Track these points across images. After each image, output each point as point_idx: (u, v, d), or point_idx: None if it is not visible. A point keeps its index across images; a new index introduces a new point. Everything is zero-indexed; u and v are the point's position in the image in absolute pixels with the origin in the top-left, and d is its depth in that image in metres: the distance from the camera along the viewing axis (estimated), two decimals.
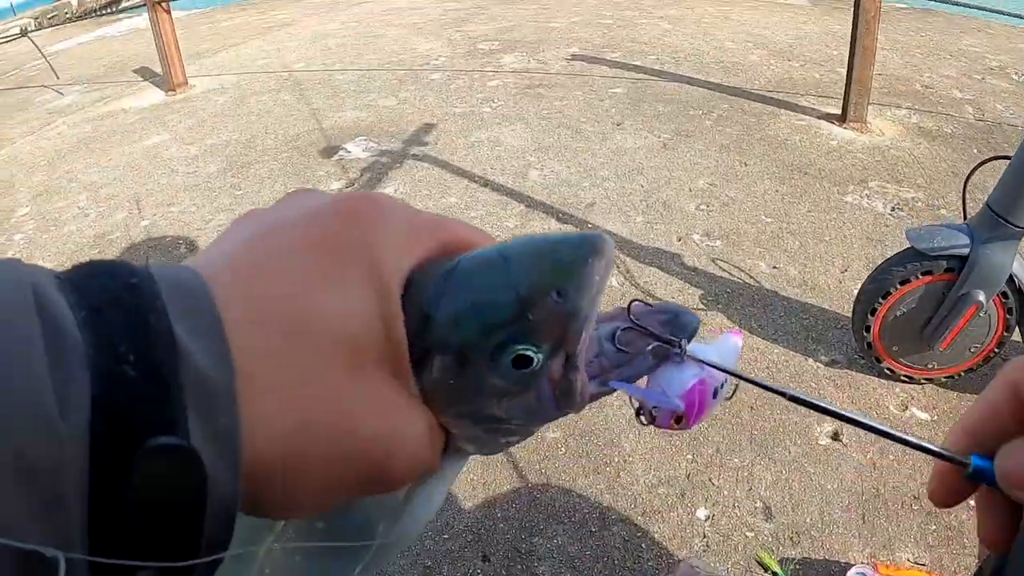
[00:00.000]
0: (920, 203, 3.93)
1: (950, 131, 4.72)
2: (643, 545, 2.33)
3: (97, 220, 4.47)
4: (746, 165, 4.42)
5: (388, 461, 0.35)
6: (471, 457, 0.44)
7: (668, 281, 3.44)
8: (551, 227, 3.96)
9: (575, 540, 2.35)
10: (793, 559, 2.25)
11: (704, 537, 2.34)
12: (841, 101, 4.88)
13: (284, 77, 6.80)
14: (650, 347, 0.42)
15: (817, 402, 0.41)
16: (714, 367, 0.43)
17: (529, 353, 0.37)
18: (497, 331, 0.36)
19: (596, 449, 2.64)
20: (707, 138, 4.82)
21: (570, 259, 0.37)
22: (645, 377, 0.43)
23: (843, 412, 0.41)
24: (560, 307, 0.37)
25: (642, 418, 0.45)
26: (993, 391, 0.40)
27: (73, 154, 5.53)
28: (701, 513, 2.41)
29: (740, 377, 0.44)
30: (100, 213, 4.55)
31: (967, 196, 2.61)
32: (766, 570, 2.23)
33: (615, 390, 0.42)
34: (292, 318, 0.32)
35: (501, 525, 2.42)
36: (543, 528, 2.40)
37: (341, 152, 5.05)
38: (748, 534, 2.34)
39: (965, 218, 2.53)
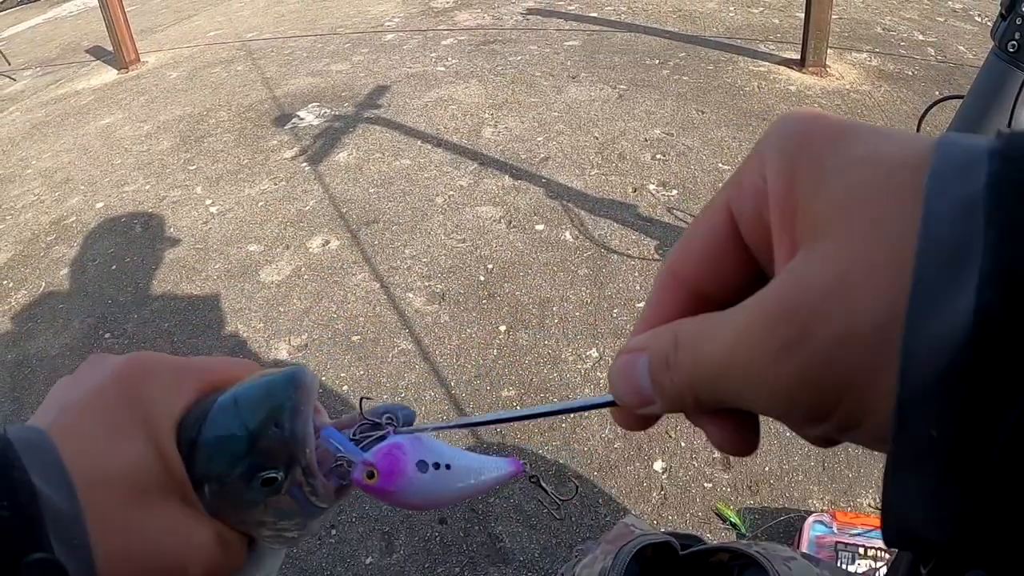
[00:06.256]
0: None
1: (911, 74, 4.66)
2: (600, 500, 2.30)
3: (52, 206, 4.41)
4: (703, 113, 4.35)
5: (186, 569, 0.44)
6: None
7: (623, 233, 3.39)
8: (504, 184, 3.90)
9: (531, 499, 2.32)
10: (752, 509, 2.22)
11: (662, 490, 2.31)
12: (800, 46, 4.80)
13: (237, 47, 6.67)
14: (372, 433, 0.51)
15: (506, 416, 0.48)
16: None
17: (272, 475, 0.46)
18: (239, 462, 0.46)
19: None
20: (663, 88, 4.74)
21: (281, 397, 0.47)
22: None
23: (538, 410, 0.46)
24: (280, 435, 0.46)
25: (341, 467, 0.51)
26: (711, 207, 0.35)
27: (27, 140, 5.44)
28: (658, 466, 2.38)
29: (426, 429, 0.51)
30: (55, 199, 4.48)
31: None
32: (724, 521, 2.20)
33: (352, 482, 0.49)
34: (103, 471, 0.41)
35: None
36: (498, 488, 2.36)
37: (294, 120, 4.96)
38: (706, 485, 2.31)
39: None
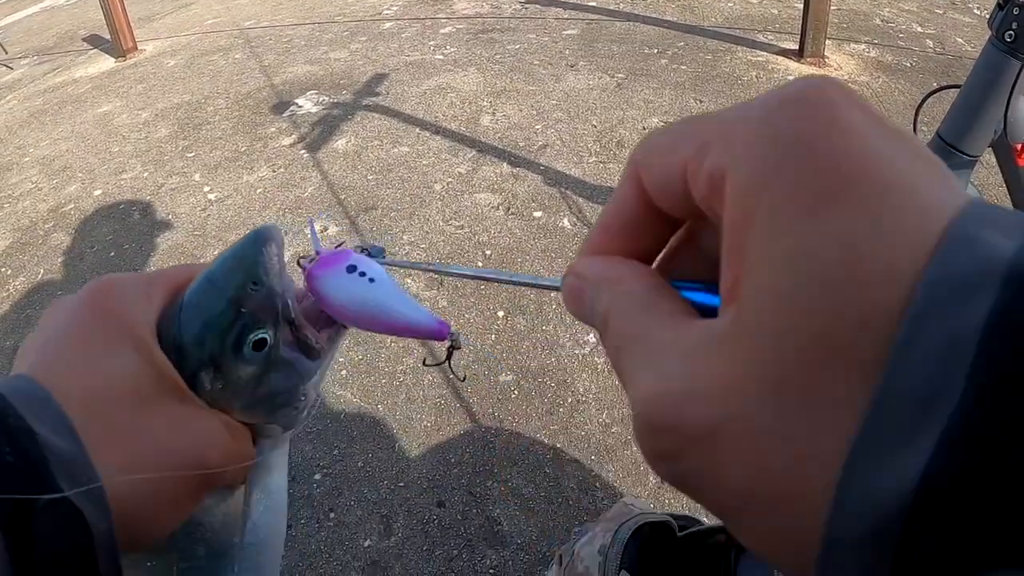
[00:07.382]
0: None
1: (910, 65, 4.66)
2: (597, 484, 2.31)
3: (50, 193, 4.40)
4: (701, 102, 4.36)
5: (205, 459, 0.45)
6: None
7: None
8: (503, 171, 3.91)
9: (530, 482, 2.33)
10: None
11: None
12: (799, 36, 4.81)
13: (235, 35, 6.65)
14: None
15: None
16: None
17: (262, 335, 0.48)
18: (228, 333, 0.47)
19: (549, 390, 2.61)
20: (662, 77, 4.74)
21: (251, 255, 0.48)
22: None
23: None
24: (260, 292, 0.48)
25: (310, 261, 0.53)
26: (620, 182, 0.32)
27: (24, 128, 5.43)
28: None
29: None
30: (53, 187, 4.48)
31: (921, 127, 2.57)
32: None
33: (347, 328, 0.53)
34: (95, 392, 0.42)
35: (455, 470, 2.40)
36: (497, 471, 2.37)
37: (292, 107, 4.96)
38: None
39: None
